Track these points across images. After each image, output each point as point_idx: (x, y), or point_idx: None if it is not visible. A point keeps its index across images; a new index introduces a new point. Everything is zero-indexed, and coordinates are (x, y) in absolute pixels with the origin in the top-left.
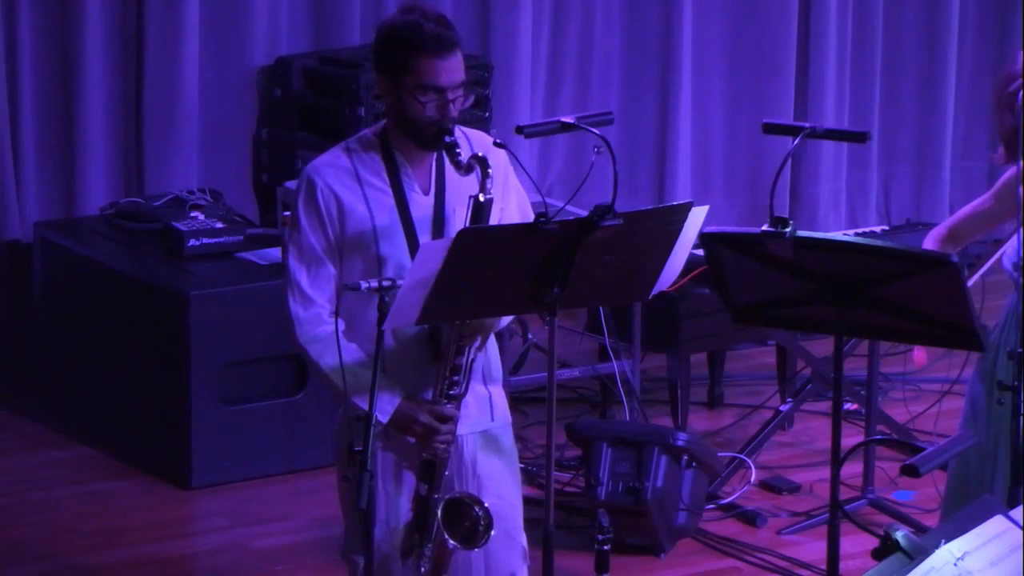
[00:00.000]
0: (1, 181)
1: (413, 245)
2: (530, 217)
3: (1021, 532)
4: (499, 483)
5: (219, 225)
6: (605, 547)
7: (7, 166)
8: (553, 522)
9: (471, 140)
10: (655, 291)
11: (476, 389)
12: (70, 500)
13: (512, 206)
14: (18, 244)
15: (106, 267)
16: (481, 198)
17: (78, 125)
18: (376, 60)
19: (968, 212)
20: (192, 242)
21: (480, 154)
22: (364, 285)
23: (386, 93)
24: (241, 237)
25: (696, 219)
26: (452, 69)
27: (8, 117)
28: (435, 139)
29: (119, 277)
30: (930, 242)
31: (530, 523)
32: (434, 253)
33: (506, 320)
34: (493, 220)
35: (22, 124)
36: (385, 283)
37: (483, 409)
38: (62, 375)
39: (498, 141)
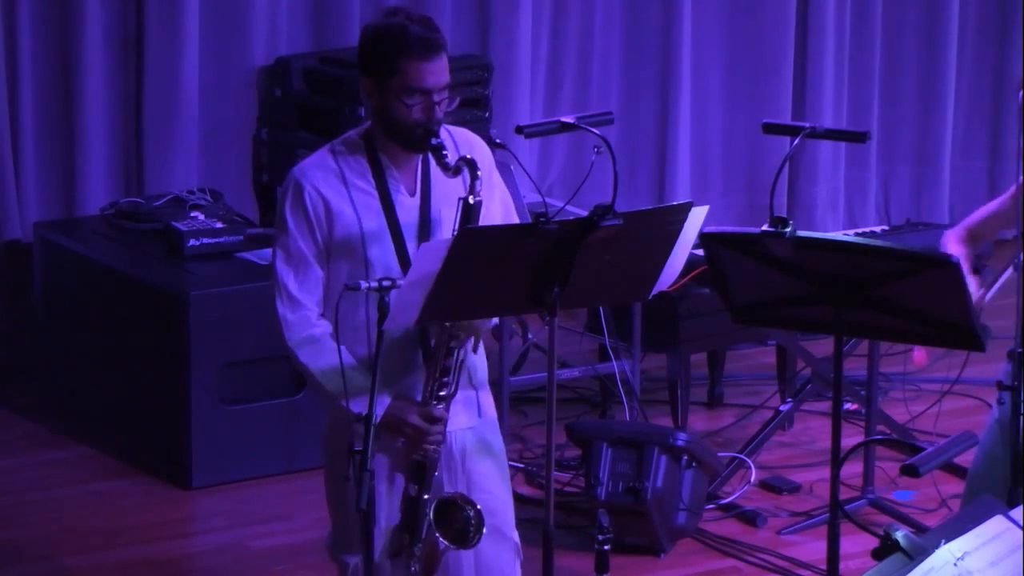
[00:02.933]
0: (1, 181)
1: (400, 247)
2: (514, 214)
3: (1021, 532)
4: (488, 480)
5: (219, 225)
6: (605, 547)
7: (7, 166)
8: (553, 522)
9: (456, 140)
10: (655, 291)
11: (463, 391)
12: (70, 500)
13: (496, 203)
14: (18, 244)
15: (106, 267)
16: (471, 200)
17: (78, 125)
18: (361, 62)
19: (989, 212)
20: (192, 242)
21: (468, 156)
22: (364, 285)
23: (371, 95)
24: (241, 237)
25: (696, 219)
26: (438, 71)
27: (8, 117)
28: (421, 141)
29: (119, 277)
30: (951, 243)
31: (530, 523)
32: (434, 253)
33: (493, 321)
34: (479, 220)
35: (22, 124)
36: (385, 283)
37: (470, 408)
38: (62, 375)
39: (498, 141)
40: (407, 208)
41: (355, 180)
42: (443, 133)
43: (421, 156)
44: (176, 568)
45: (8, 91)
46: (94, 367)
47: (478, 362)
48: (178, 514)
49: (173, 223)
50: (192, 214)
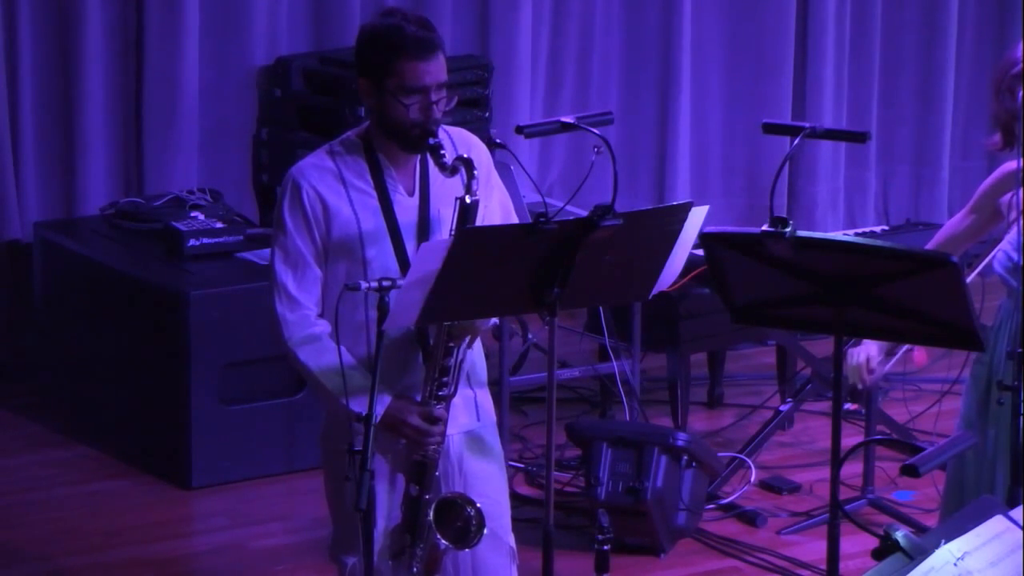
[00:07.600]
0: (1, 181)
1: (399, 247)
2: (513, 215)
3: (1021, 532)
4: (485, 482)
5: (219, 225)
6: (605, 547)
7: (7, 166)
8: (553, 522)
9: (454, 139)
10: (655, 291)
11: (462, 391)
12: (70, 500)
13: (494, 204)
14: (18, 244)
15: (106, 267)
16: (467, 200)
17: (78, 125)
18: (358, 63)
19: (948, 233)
20: (192, 242)
21: (465, 155)
22: (364, 285)
23: (369, 96)
24: (241, 237)
25: (696, 219)
26: (435, 71)
27: (8, 117)
28: (419, 141)
29: (119, 277)
30: None
31: (530, 523)
32: (434, 253)
33: (493, 321)
34: (476, 219)
35: (22, 124)
36: (385, 283)
37: (469, 410)
38: (62, 375)
39: (498, 141)
40: (406, 208)
41: (353, 180)
42: (441, 133)
43: (419, 156)
44: (176, 568)
45: (8, 91)
46: (94, 367)
47: (478, 362)
48: (178, 514)
49: (173, 223)
50: (192, 214)
